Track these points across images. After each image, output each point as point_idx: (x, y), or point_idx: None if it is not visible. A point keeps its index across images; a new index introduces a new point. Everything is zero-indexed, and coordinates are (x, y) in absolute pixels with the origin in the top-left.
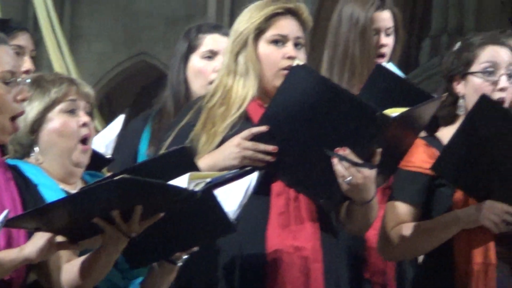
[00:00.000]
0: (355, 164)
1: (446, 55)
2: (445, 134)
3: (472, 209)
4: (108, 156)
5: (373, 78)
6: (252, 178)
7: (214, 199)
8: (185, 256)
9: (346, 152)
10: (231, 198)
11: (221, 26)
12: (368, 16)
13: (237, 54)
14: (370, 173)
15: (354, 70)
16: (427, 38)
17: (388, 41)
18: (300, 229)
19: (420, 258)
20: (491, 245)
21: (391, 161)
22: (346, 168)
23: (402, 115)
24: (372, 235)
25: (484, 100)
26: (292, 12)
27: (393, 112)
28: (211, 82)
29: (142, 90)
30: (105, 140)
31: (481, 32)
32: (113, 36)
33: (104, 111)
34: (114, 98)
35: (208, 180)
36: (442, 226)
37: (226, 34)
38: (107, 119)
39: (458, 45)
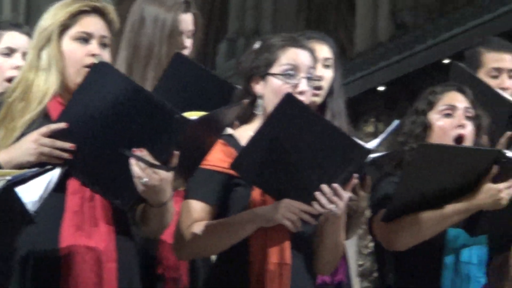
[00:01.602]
0: (151, 166)
1: (245, 54)
2: (242, 133)
3: (269, 208)
4: None
5: (173, 67)
6: (53, 175)
7: (15, 196)
8: None
9: (143, 153)
10: (31, 191)
11: (21, 24)
12: (175, 18)
13: (40, 50)
14: (166, 175)
15: (160, 70)
16: (223, 40)
17: (189, 43)
18: (94, 229)
19: (214, 256)
20: (287, 244)
21: (190, 164)
22: (142, 169)
23: (201, 119)
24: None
25: (288, 99)
26: (98, 11)
27: (193, 115)
28: (8, 80)
29: None
30: None
31: (280, 34)
32: None
33: None
34: None
35: (8, 178)
36: (238, 225)
37: (26, 32)
38: None
39: (257, 44)
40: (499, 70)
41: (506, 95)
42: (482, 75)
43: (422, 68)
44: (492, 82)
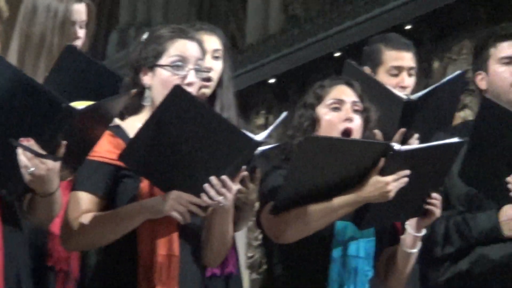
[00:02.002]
0: (38, 155)
1: (134, 46)
2: (130, 124)
3: (157, 200)
4: None
5: (64, 58)
6: None
7: None
8: None
9: (30, 142)
10: None
11: None
12: (68, 8)
13: None
14: (53, 165)
15: (52, 60)
16: (114, 31)
17: (82, 34)
18: None
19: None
20: (175, 236)
21: (78, 154)
22: (29, 158)
23: (88, 108)
24: (55, 222)
25: (176, 91)
26: None
27: (80, 104)
28: None
29: None
30: None
31: (169, 25)
32: None
33: None
34: None
35: None
36: (126, 216)
37: None
38: None
39: (145, 35)
40: (399, 69)
41: (397, 92)
42: (382, 72)
43: (313, 60)
44: (391, 81)
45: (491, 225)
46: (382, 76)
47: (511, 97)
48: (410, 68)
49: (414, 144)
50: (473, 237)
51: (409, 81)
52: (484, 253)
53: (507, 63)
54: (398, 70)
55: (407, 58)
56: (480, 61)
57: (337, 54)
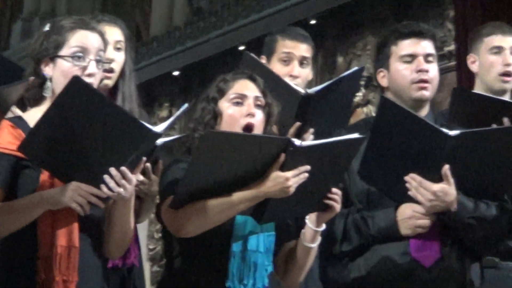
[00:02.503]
0: None
1: (35, 36)
2: (31, 115)
3: (57, 191)
4: None
5: None
6: None
7: None
8: None
9: None
10: None
11: None
12: None
13: None
14: None
15: None
16: (18, 20)
17: None
18: None
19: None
20: (75, 227)
21: None
22: None
23: None
24: None
25: (75, 81)
26: None
27: None
28: None
29: None
30: None
31: (71, 16)
32: None
33: None
34: None
35: None
36: (25, 207)
37: None
38: None
39: (47, 26)
40: (289, 57)
41: (294, 85)
42: (275, 61)
43: (218, 54)
44: (283, 69)
45: (389, 223)
46: (275, 64)
47: (412, 94)
48: (303, 58)
49: (309, 138)
50: (371, 235)
51: (301, 71)
52: (382, 251)
53: (408, 61)
54: (289, 58)
55: (300, 48)
56: (381, 58)
57: (241, 48)
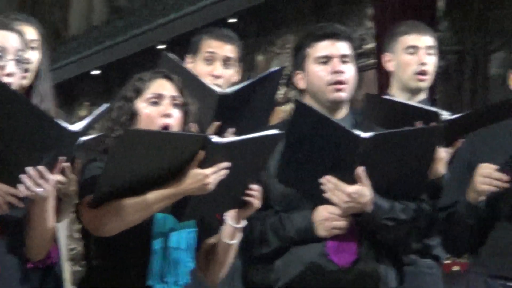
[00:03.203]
0: None
1: None
2: None
3: None
4: None
5: None
6: None
7: None
8: None
9: None
10: None
11: None
12: None
13: None
14: None
15: None
16: None
17: None
18: None
19: None
20: None
21: None
22: None
23: None
24: None
25: None
26: None
27: None
28: None
29: None
30: None
31: None
32: None
33: None
34: None
35: None
36: None
37: None
38: None
39: None
40: (212, 56)
41: (210, 85)
42: (199, 60)
43: (137, 53)
44: (206, 69)
45: (306, 225)
46: (199, 64)
47: (329, 96)
48: (227, 59)
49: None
50: (288, 237)
51: (223, 71)
52: (299, 253)
53: (324, 63)
54: (212, 58)
55: (224, 48)
56: (298, 60)
57: (161, 47)
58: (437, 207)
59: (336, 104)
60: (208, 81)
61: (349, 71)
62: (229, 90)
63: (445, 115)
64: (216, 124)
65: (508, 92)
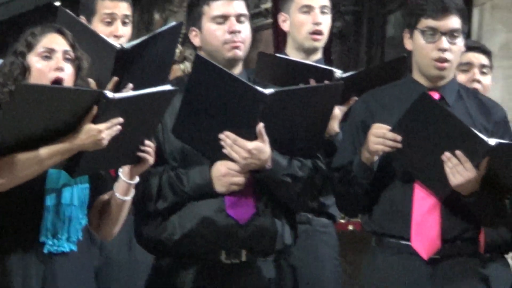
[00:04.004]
0: None
1: None
2: None
3: None
4: None
5: None
6: None
7: None
8: None
9: None
10: None
11: None
12: None
13: None
14: None
15: None
16: None
17: None
18: None
19: None
20: None
21: None
22: None
23: None
24: None
25: None
26: None
27: None
28: None
29: None
30: None
31: None
32: None
33: None
34: None
35: None
36: None
37: None
38: None
39: None
40: (112, 17)
41: (110, 40)
42: (96, 22)
43: (33, 9)
44: (106, 30)
45: (204, 180)
46: (97, 25)
47: (225, 54)
48: (125, 17)
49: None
50: (186, 192)
51: (124, 30)
52: (196, 209)
53: (220, 22)
54: (111, 18)
55: (121, 7)
56: (193, 18)
57: (57, 3)
58: (332, 166)
59: (231, 62)
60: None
61: (245, 31)
62: (127, 45)
63: (339, 73)
64: (115, 79)
65: (404, 53)
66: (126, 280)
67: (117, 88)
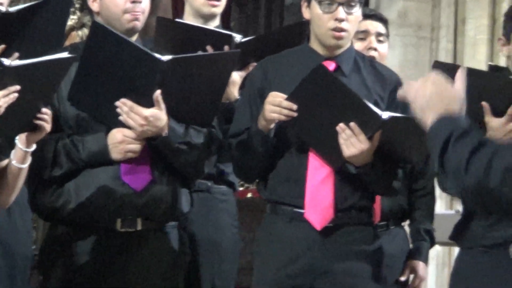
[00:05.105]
0: None
1: None
2: None
3: None
4: None
5: None
6: None
7: None
8: None
9: None
10: None
11: None
12: None
13: None
14: None
15: None
16: None
17: None
18: None
19: None
20: None
21: None
22: None
23: None
24: None
25: None
26: None
27: None
28: None
29: None
30: None
31: None
32: None
33: None
34: None
35: None
36: None
37: None
38: None
39: None
40: None
41: None
42: None
43: None
44: None
45: (100, 148)
46: None
47: (125, 25)
48: None
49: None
50: (81, 159)
51: None
52: (92, 176)
53: None
54: None
55: None
56: None
57: None
58: (229, 133)
59: (128, 33)
60: None
61: (145, 0)
62: (12, 9)
63: (239, 38)
64: (1, 46)
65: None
66: (4, 246)
67: (2, 55)
